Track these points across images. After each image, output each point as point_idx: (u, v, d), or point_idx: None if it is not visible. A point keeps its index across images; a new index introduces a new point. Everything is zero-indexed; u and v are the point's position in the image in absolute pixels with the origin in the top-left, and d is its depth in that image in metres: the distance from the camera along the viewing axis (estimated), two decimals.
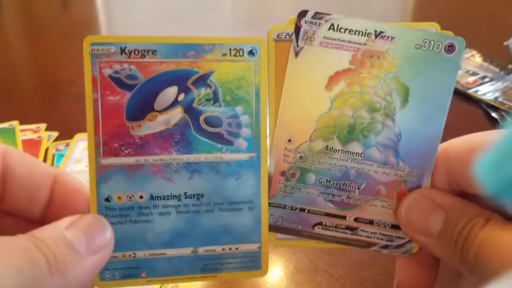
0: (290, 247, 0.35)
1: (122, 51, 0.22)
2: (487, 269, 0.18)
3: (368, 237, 0.23)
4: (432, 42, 0.22)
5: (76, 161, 0.48)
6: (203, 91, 0.23)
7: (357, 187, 0.23)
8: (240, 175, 0.23)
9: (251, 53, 0.23)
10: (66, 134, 0.51)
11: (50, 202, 0.22)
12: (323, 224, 0.24)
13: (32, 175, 0.22)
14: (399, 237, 0.23)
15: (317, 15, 0.23)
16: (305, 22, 0.22)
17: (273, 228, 0.24)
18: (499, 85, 0.61)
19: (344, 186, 0.23)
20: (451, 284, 0.23)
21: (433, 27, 0.22)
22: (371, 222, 0.23)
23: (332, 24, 0.22)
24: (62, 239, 0.19)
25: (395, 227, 0.23)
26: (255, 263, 0.24)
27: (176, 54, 0.22)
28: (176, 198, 0.23)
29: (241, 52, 0.23)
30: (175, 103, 0.23)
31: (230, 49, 0.23)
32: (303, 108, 0.23)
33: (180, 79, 0.22)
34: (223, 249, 0.23)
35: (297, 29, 0.23)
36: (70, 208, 0.22)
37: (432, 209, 0.21)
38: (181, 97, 0.23)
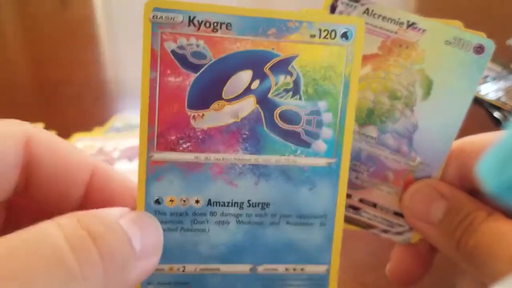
0: None
1: (191, 21, 0.17)
2: (487, 258, 0.19)
3: (369, 219, 0.24)
4: (462, 40, 0.22)
5: None
6: (282, 79, 0.18)
7: (366, 170, 0.23)
8: (314, 184, 0.19)
9: (345, 36, 0.18)
10: (63, 133, 0.49)
11: (86, 198, 0.18)
12: None
13: (64, 169, 0.18)
14: (399, 225, 0.24)
15: None
16: (342, 3, 0.22)
17: None
18: (501, 84, 0.59)
19: (354, 166, 0.23)
20: None
21: (457, 25, 0.22)
22: (374, 205, 0.24)
23: (368, 9, 0.22)
24: (117, 226, 0.15)
25: (397, 214, 0.24)
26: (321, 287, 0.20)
27: (254, 31, 0.18)
28: (237, 205, 0.19)
29: (333, 34, 0.18)
30: (247, 91, 0.18)
31: (321, 30, 0.18)
32: None
33: (256, 63, 0.18)
34: (287, 269, 0.20)
35: (333, 8, 0.22)
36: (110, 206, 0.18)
37: (435, 197, 0.22)
38: (255, 84, 0.18)
